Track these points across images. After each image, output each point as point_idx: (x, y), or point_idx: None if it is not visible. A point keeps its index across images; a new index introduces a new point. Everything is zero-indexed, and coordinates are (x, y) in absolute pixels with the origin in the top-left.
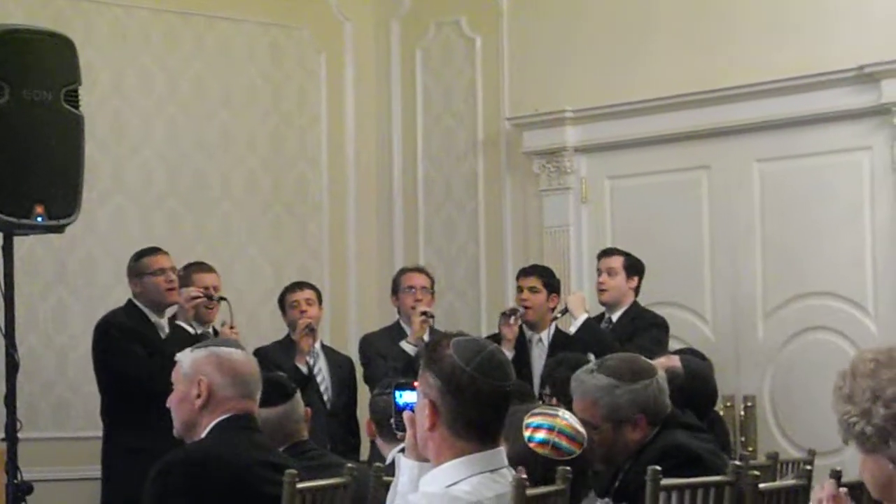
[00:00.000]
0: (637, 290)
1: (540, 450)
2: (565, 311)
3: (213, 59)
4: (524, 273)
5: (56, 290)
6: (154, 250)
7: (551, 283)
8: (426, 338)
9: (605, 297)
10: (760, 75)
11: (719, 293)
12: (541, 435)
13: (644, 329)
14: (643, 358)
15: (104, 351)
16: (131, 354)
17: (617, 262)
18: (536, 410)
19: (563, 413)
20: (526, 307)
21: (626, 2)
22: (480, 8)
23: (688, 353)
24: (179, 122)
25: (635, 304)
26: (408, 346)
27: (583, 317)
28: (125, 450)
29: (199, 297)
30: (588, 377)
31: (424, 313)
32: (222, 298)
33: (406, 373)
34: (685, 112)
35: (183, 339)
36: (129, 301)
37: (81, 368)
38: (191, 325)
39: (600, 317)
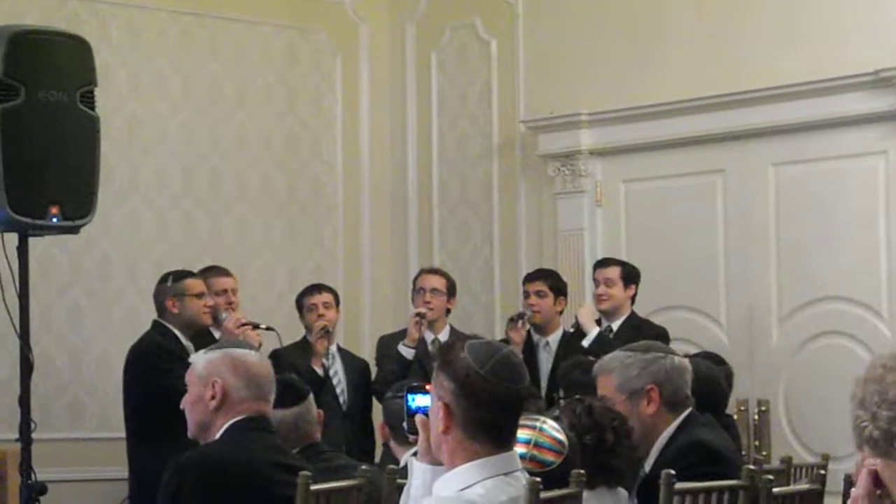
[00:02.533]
0: (633, 299)
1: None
2: (577, 325)
3: (228, 61)
4: (530, 278)
5: (71, 291)
6: (191, 273)
7: (557, 286)
8: (443, 337)
9: (605, 307)
10: (776, 79)
11: (734, 297)
12: (519, 449)
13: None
14: (662, 344)
15: (150, 372)
16: (182, 376)
17: (614, 272)
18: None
19: (544, 424)
20: (534, 311)
21: (641, 5)
22: (496, 11)
23: (706, 357)
24: (195, 123)
25: (633, 314)
26: (404, 349)
27: (595, 330)
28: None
29: (246, 325)
30: (607, 356)
31: (418, 314)
32: (270, 328)
33: (403, 376)
34: (700, 116)
35: None
36: (158, 322)
37: (96, 369)
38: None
39: (597, 323)
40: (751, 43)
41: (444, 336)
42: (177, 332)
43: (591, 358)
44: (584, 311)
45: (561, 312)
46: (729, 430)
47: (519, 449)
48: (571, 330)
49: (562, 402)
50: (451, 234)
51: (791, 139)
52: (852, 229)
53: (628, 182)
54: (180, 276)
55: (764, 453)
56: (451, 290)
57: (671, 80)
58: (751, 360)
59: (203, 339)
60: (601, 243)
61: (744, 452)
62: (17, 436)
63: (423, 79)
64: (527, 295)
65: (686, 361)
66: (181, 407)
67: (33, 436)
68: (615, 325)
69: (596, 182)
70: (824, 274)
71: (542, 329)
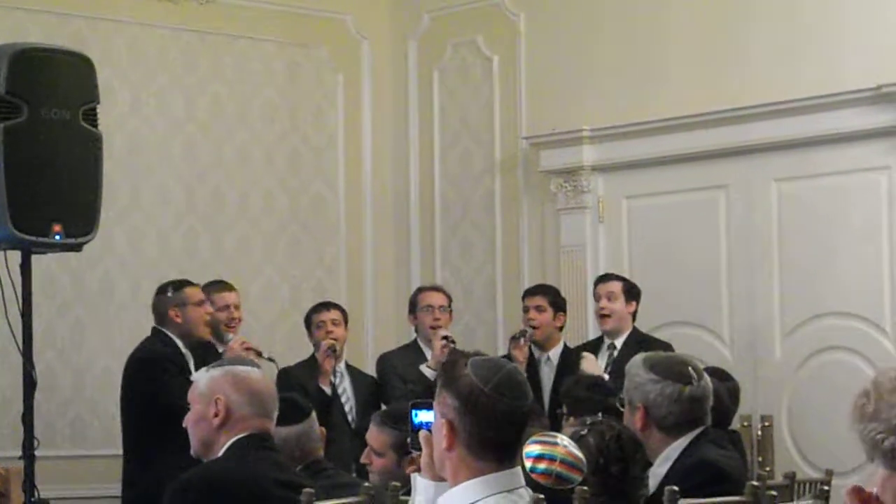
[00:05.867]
0: (634, 316)
1: (543, 480)
2: None
3: (230, 79)
4: (530, 293)
5: (74, 309)
6: (190, 282)
7: (557, 301)
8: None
9: (609, 325)
10: (778, 95)
11: (737, 313)
12: (543, 465)
13: None
14: (690, 367)
15: (152, 382)
16: (184, 385)
17: (616, 286)
18: (534, 438)
19: (562, 440)
20: (533, 327)
21: (643, 21)
22: (498, 28)
23: (712, 373)
24: (197, 141)
25: (636, 330)
26: (427, 371)
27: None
28: (177, 469)
29: (251, 349)
30: (636, 356)
31: (446, 338)
32: (271, 359)
33: (425, 397)
34: (702, 131)
35: None
36: (158, 330)
37: (99, 387)
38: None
39: (599, 340)
40: (752, 58)
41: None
42: (177, 340)
43: (593, 375)
44: (588, 362)
45: (561, 328)
46: (736, 445)
47: (542, 465)
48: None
49: (568, 418)
50: (454, 250)
51: (793, 154)
52: (855, 245)
53: (630, 198)
54: (180, 285)
55: (767, 469)
56: (451, 307)
57: (673, 96)
58: (754, 375)
59: (206, 352)
60: (603, 259)
61: (747, 468)
62: (20, 453)
63: (425, 96)
64: (526, 310)
65: (694, 390)
66: (183, 425)
67: (36, 453)
68: (619, 342)
69: (598, 198)
70: (827, 289)
71: (543, 345)
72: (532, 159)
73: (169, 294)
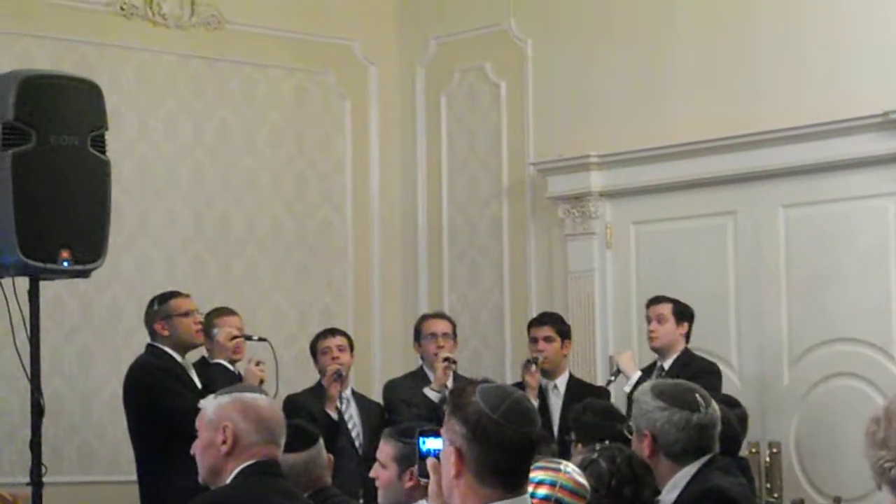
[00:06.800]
0: (688, 337)
1: None
2: (618, 372)
3: (238, 105)
4: (537, 323)
5: (81, 335)
6: (177, 293)
7: (563, 329)
8: (450, 384)
9: (656, 344)
10: (786, 121)
11: (745, 339)
12: (543, 491)
13: (696, 376)
14: (697, 395)
15: (150, 392)
16: (180, 392)
17: (666, 308)
18: (538, 464)
19: (566, 466)
20: (544, 357)
21: (650, 47)
22: (505, 53)
23: (720, 401)
24: (205, 166)
25: (686, 351)
26: (431, 393)
27: (636, 375)
28: (183, 491)
29: (238, 337)
30: (644, 384)
31: (447, 359)
32: (262, 339)
33: (430, 419)
34: (710, 157)
35: (229, 378)
36: (151, 346)
37: (107, 413)
38: (231, 364)
39: (652, 365)
40: (760, 85)
41: (449, 381)
42: (171, 352)
43: (602, 401)
44: (625, 357)
45: (566, 355)
46: (744, 472)
47: (543, 490)
48: (611, 378)
49: (577, 445)
50: (461, 276)
51: (801, 181)
52: (862, 271)
53: (638, 224)
54: (165, 297)
55: (776, 496)
56: (456, 334)
57: (681, 122)
58: (762, 401)
59: (205, 367)
60: (611, 285)
61: (755, 495)
62: (27, 480)
63: (433, 121)
64: (535, 340)
65: (702, 417)
66: (192, 452)
67: (44, 480)
68: (667, 364)
69: (606, 224)
70: (835, 315)
71: (550, 373)
72: (540, 185)
73: (154, 308)
